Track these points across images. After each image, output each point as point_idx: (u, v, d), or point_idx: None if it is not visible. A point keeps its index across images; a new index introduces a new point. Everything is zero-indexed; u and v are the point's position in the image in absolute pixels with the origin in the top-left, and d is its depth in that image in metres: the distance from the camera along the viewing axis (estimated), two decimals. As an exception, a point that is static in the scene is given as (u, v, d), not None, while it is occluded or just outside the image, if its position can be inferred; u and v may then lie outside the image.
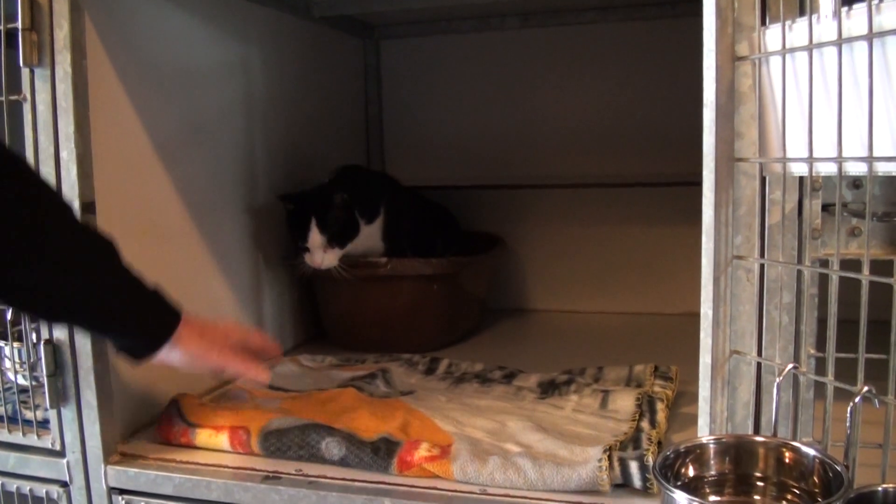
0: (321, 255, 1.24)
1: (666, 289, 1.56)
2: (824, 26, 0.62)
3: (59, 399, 0.90)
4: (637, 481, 0.77)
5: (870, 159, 0.59)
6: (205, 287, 1.16)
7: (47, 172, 0.87)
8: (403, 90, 1.72)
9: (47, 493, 0.93)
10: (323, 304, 1.41)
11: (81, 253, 0.79)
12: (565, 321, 1.58)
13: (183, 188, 1.09)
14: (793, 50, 0.65)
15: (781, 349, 0.71)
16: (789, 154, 0.67)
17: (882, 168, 0.60)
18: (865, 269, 0.62)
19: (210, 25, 1.17)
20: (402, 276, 1.28)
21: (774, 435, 0.67)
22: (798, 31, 0.65)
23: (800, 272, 0.70)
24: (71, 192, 0.87)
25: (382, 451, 0.85)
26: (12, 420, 0.94)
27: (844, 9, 0.60)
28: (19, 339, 0.92)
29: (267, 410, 0.97)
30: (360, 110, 1.71)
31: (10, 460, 0.94)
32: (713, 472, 0.67)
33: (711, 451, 0.67)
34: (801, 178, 0.69)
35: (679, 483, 0.65)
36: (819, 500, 0.61)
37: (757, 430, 0.73)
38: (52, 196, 0.80)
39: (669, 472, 0.65)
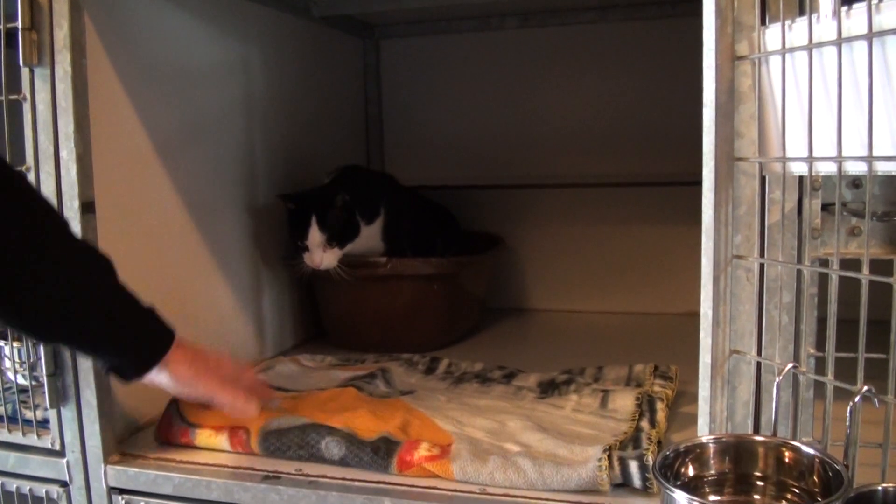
0: (321, 254, 1.24)
1: (665, 288, 1.56)
2: (824, 26, 0.62)
3: (58, 399, 0.90)
4: (637, 481, 0.77)
5: (869, 159, 0.59)
6: (204, 287, 1.16)
7: (47, 172, 0.87)
8: (403, 90, 1.72)
9: (47, 492, 0.93)
10: (323, 304, 1.41)
11: (78, 271, 0.78)
12: (565, 321, 1.58)
13: (183, 188, 1.09)
14: (792, 49, 0.65)
15: (781, 349, 0.71)
16: (789, 153, 0.67)
17: (882, 167, 0.60)
18: (865, 269, 0.62)
19: (210, 25, 1.17)
20: (402, 275, 1.28)
21: (774, 434, 0.67)
22: (798, 30, 0.65)
23: (799, 272, 0.70)
24: (71, 191, 0.87)
25: (382, 451, 0.85)
26: (12, 420, 0.94)
27: (844, 8, 0.60)
28: (19, 338, 0.92)
29: (267, 410, 0.97)
30: (359, 110, 1.71)
31: (10, 460, 0.94)
32: (713, 472, 0.67)
33: (711, 451, 0.67)
34: (801, 178, 0.69)
35: (679, 482, 0.65)
36: (819, 499, 0.61)
37: (757, 430, 0.73)
38: (50, 213, 0.79)
39: (669, 471, 0.65)
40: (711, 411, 0.72)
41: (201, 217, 1.13)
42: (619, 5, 1.53)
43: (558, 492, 0.78)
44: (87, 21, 0.88)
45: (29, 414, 0.94)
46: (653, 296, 1.58)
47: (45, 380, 0.89)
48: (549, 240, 1.63)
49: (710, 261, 0.70)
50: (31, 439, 0.93)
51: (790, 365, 0.68)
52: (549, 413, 0.98)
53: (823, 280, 0.68)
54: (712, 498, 0.66)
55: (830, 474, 0.61)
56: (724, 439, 0.68)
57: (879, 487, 0.60)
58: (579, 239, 1.62)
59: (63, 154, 0.86)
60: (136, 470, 0.89)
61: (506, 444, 0.87)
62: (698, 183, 0.70)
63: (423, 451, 0.84)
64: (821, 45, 0.62)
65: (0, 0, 0.85)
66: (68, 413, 0.90)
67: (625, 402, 1.00)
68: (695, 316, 0.72)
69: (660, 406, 0.96)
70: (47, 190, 0.87)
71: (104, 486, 0.90)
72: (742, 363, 0.73)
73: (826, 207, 0.70)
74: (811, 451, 0.63)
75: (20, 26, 0.84)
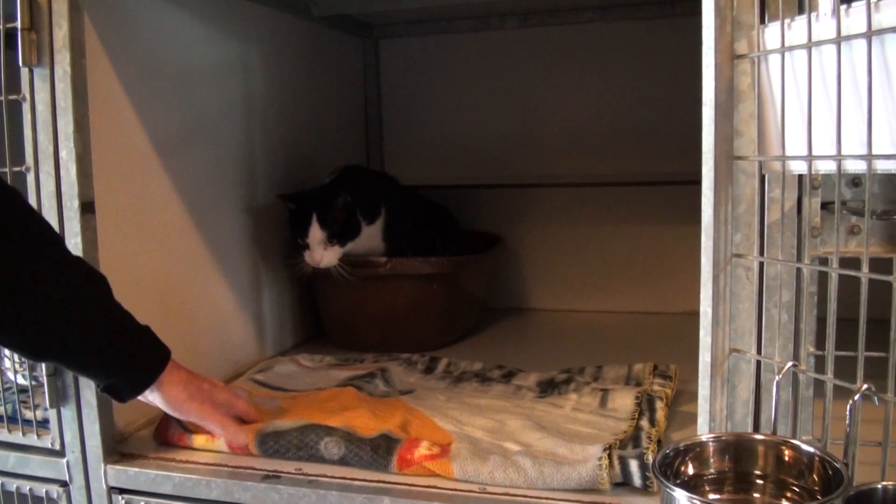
0: (321, 252, 1.24)
1: (665, 288, 1.56)
2: (823, 24, 0.62)
3: (58, 399, 0.90)
4: (637, 480, 0.77)
5: (869, 157, 0.59)
6: (204, 287, 1.16)
7: (47, 172, 0.87)
8: (403, 90, 1.72)
9: (47, 492, 0.93)
10: (322, 304, 1.41)
11: (73, 289, 0.78)
12: (564, 320, 1.58)
13: (182, 188, 1.09)
14: (792, 48, 0.65)
15: (781, 347, 0.71)
16: (788, 152, 0.67)
17: (881, 166, 0.60)
18: (865, 267, 0.62)
19: (209, 25, 1.17)
20: (402, 275, 1.28)
21: (774, 433, 0.67)
22: (797, 29, 0.65)
23: (799, 270, 0.70)
24: (70, 191, 0.87)
25: (382, 450, 0.85)
26: (12, 420, 0.94)
27: (843, 7, 0.60)
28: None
29: (265, 411, 0.97)
30: (359, 110, 1.72)
31: (10, 460, 0.94)
32: (713, 471, 0.67)
33: (711, 450, 0.67)
34: (801, 177, 0.69)
35: (679, 481, 0.65)
36: (819, 497, 0.61)
37: (756, 428, 0.73)
38: (45, 230, 0.79)
39: (669, 470, 0.65)
40: (711, 410, 0.72)
41: (201, 217, 1.13)
42: (618, 5, 1.53)
43: (558, 491, 0.78)
44: (86, 21, 0.88)
45: (29, 414, 0.94)
46: (652, 295, 1.58)
47: (45, 380, 0.89)
48: (548, 239, 1.63)
49: (709, 259, 0.70)
50: (31, 439, 0.93)
51: (790, 363, 0.68)
52: (548, 412, 0.98)
53: (823, 279, 0.68)
54: (712, 496, 0.66)
55: (830, 473, 0.61)
56: (723, 438, 0.68)
57: (879, 486, 0.60)
58: (579, 238, 1.62)
59: (63, 154, 0.86)
60: (136, 469, 0.89)
61: (505, 444, 0.87)
62: (698, 182, 0.70)
63: (423, 449, 0.84)
64: (820, 43, 0.62)
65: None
66: (68, 413, 0.90)
67: (624, 401, 1.00)
68: (694, 315, 0.72)
69: (659, 405, 0.96)
70: (47, 190, 0.87)
71: (104, 486, 0.90)
72: (742, 362, 0.73)
73: (825, 206, 0.70)
74: (811, 450, 0.63)
75: (19, 26, 0.84)
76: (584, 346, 1.39)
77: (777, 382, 0.68)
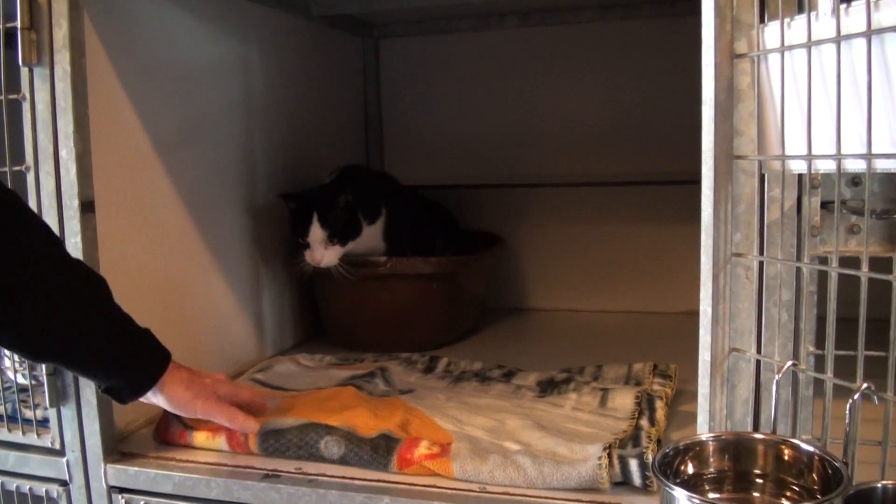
0: (322, 251, 1.24)
1: (665, 287, 1.56)
2: (823, 24, 0.62)
3: (58, 398, 0.90)
4: (637, 479, 0.77)
5: (868, 156, 0.59)
6: (204, 286, 1.16)
7: (47, 171, 0.87)
8: (403, 89, 1.72)
9: (47, 491, 0.93)
10: (322, 303, 1.41)
11: (72, 291, 0.78)
12: (564, 320, 1.58)
13: (182, 187, 1.09)
14: (791, 47, 0.65)
15: (780, 346, 0.71)
16: (788, 151, 0.67)
17: (881, 165, 0.60)
18: (864, 266, 0.62)
19: (209, 24, 1.17)
20: (402, 274, 1.28)
21: (774, 432, 0.67)
22: (797, 28, 0.65)
23: (799, 269, 0.70)
24: (70, 190, 0.87)
25: (382, 449, 0.85)
26: (12, 419, 0.94)
27: (843, 6, 0.60)
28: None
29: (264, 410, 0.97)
30: (359, 109, 1.72)
31: (10, 459, 0.94)
32: (712, 470, 0.67)
33: (711, 449, 0.67)
34: (800, 176, 0.69)
35: (678, 480, 0.65)
36: (818, 496, 0.61)
37: (756, 428, 0.73)
38: (45, 232, 0.79)
39: (669, 469, 0.65)
40: (711, 409, 0.72)
41: (201, 216, 1.13)
42: (618, 4, 1.53)
43: (558, 490, 0.78)
44: (86, 20, 0.88)
45: (29, 413, 0.94)
46: (652, 295, 1.58)
47: (44, 379, 0.89)
48: (548, 239, 1.63)
49: (709, 259, 0.70)
50: (31, 438, 0.93)
51: (789, 363, 0.68)
52: (548, 412, 0.98)
53: (823, 278, 0.68)
54: (712, 495, 0.66)
55: (830, 472, 0.61)
56: (723, 437, 0.68)
57: (879, 485, 0.60)
58: (579, 238, 1.62)
59: (63, 153, 0.87)
60: (136, 469, 0.89)
61: (505, 443, 0.87)
62: (697, 181, 0.70)
63: (423, 449, 0.84)
64: (820, 42, 0.62)
65: (-1, 0, 0.85)
66: (68, 412, 0.91)
67: (624, 400, 1.00)
68: (694, 315, 0.72)
69: (659, 404, 0.96)
70: (47, 189, 0.87)
71: (104, 485, 0.90)
72: (741, 361, 0.73)
73: (825, 205, 0.70)
74: (810, 449, 0.63)
75: (19, 26, 0.84)
76: (584, 345, 1.39)
77: (777, 382, 0.68)
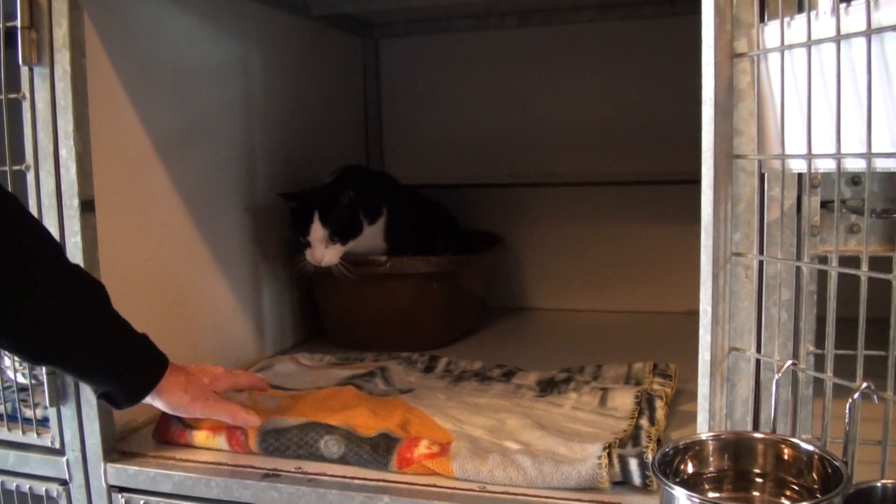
0: (322, 250, 1.24)
1: (665, 287, 1.56)
2: (823, 23, 0.62)
3: (58, 397, 0.90)
4: (636, 478, 0.77)
5: (868, 156, 0.59)
6: (204, 286, 1.16)
7: (47, 171, 0.87)
8: (402, 89, 1.72)
9: (47, 491, 0.93)
10: (322, 303, 1.41)
11: (71, 296, 0.78)
12: (564, 319, 1.58)
13: (182, 186, 1.09)
14: (791, 46, 0.65)
15: (780, 346, 0.71)
16: (788, 151, 0.67)
17: (881, 164, 0.60)
18: (864, 266, 0.62)
19: (209, 24, 1.17)
20: (402, 274, 1.28)
21: (773, 431, 0.67)
22: (796, 27, 0.65)
23: (799, 269, 0.70)
24: (70, 190, 0.87)
25: (382, 448, 0.85)
26: (12, 418, 0.94)
27: (843, 5, 0.60)
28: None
29: (265, 409, 0.97)
30: (359, 109, 1.72)
31: (10, 458, 0.94)
32: (712, 469, 0.67)
33: (710, 448, 0.67)
34: (800, 175, 0.69)
35: (678, 480, 0.65)
36: (818, 496, 0.61)
37: (756, 427, 0.73)
38: (44, 237, 0.79)
39: (668, 468, 0.65)
40: (711, 408, 0.73)
41: (201, 216, 1.13)
42: (618, 4, 1.53)
43: (558, 489, 0.78)
44: (86, 20, 0.88)
45: (29, 412, 0.94)
46: (652, 294, 1.58)
47: (44, 378, 0.89)
48: (548, 238, 1.63)
49: (709, 258, 0.70)
50: (31, 438, 0.93)
51: (789, 362, 0.68)
52: (548, 411, 0.98)
53: (822, 277, 0.68)
54: (711, 495, 0.66)
55: (830, 471, 0.61)
56: (723, 436, 0.68)
57: (879, 484, 0.60)
58: (579, 237, 1.62)
59: (63, 153, 0.87)
60: (136, 468, 0.89)
61: (505, 442, 0.87)
62: (697, 181, 0.70)
63: (422, 448, 0.84)
64: (819, 42, 0.62)
65: (-1, -1, 0.85)
66: (68, 411, 0.91)
67: (624, 400, 1.00)
68: (694, 314, 0.72)
69: (659, 404, 0.96)
70: (47, 189, 0.87)
71: (104, 485, 0.90)
72: (741, 360, 0.73)
73: (825, 204, 0.70)
74: (810, 448, 0.63)
75: (19, 25, 0.84)
76: (584, 345, 1.39)
77: (776, 381, 0.68)
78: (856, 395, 0.61)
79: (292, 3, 1.39)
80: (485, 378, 1.14)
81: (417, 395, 1.06)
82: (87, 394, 0.89)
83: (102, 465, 0.90)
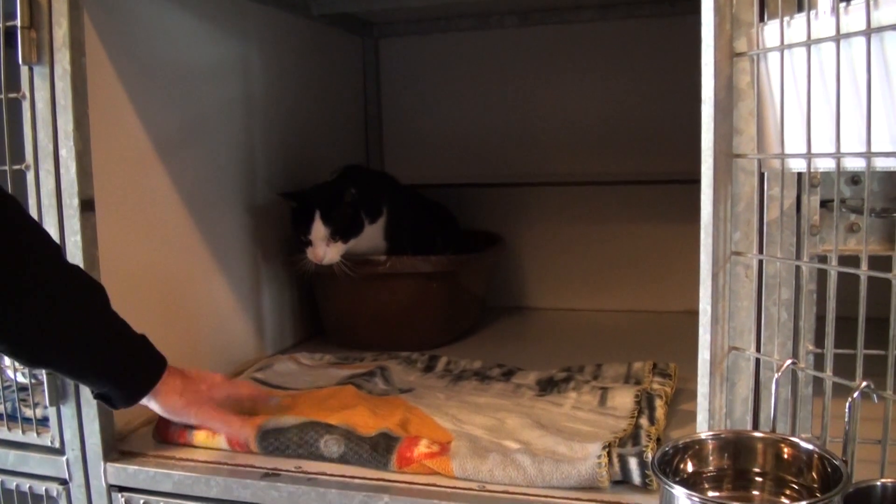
0: (324, 248, 1.24)
1: (664, 286, 1.56)
2: (822, 22, 0.62)
3: (58, 396, 0.90)
4: (636, 477, 0.77)
5: (868, 155, 0.60)
6: (204, 285, 1.16)
7: (46, 170, 0.87)
8: (403, 88, 1.72)
9: (47, 490, 0.93)
10: (322, 302, 1.41)
11: (70, 297, 0.78)
12: (564, 319, 1.58)
13: (182, 186, 1.09)
14: (791, 46, 0.65)
15: (780, 345, 0.71)
16: (788, 150, 0.67)
17: (880, 164, 0.60)
18: (864, 265, 0.62)
19: (209, 23, 1.17)
20: (402, 274, 1.28)
21: (773, 430, 0.67)
22: (796, 27, 0.65)
23: (798, 268, 0.70)
24: (70, 189, 0.87)
25: (382, 447, 0.85)
26: (12, 418, 0.94)
27: (842, 5, 0.60)
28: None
29: (265, 409, 0.97)
30: (359, 108, 1.72)
31: (10, 458, 0.94)
32: (712, 468, 0.67)
33: (710, 447, 0.67)
34: (800, 174, 0.69)
35: (678, 479, 0.65)
36: (817, 495, 0.61)
37: (756, 426, 0.73)
38: (43, 238, 0.79)
39: (668, 468, 0.65)
40: (710, 408, 0.73)
41: (200, 215, 1.13)
42: (618, 3, 1.53)
43: (558, 489, 0.78)
44: (86, 19, 0.88)
45: (28, 412, 0.94)
46: (652, 294, 1.58)
47: (44, 378, 0.89)
48: (548, 238, 1.64)
49: (708, 257, 0.70)
50: (31, 437, 0.93)
51: (789, 361, 0.68)
52: (548, 410, 0.98)
53: (822, 276, 0.68)
54: (711, 494, 0.66)
55: (829, 470, 0.61)
56: (722, 435, 0.68)
57: (878, 483, 0.60)
58: (578, 237, 1.62)
59: (62, 152, 0.87)
60: (136, 467, 0.89)
61: (505, 442, 0.87)
62: (697, 181, 0.70)
63: (422, 447, 0.84)
64: (819, 41, 0.62)
65: (-1, -2, 0.85)
66: (68, 411, 0.91)
67: (624, 399, 1.00)
68: (693, 313, 0.72)
69: (658, 403, 0.96)
70: (47, 188, 0.87)
71: (104, 484, 0.91)
72: (741, 360, 0.73)
73: (825, 204, 0.70)
74: (810, 447, 0.63)
75: (19, 24, 0.84)
76: (584, 344, 1.39)
77: (776, 380, 0.68)
78: (855, 394, 0.61)
79: (292, 2, 1.39)
80: (484, 377, 1.14)
81: (417, 394, 1.06)
82: (87, 393, 0.89)
83: (102, 464, 0.90)
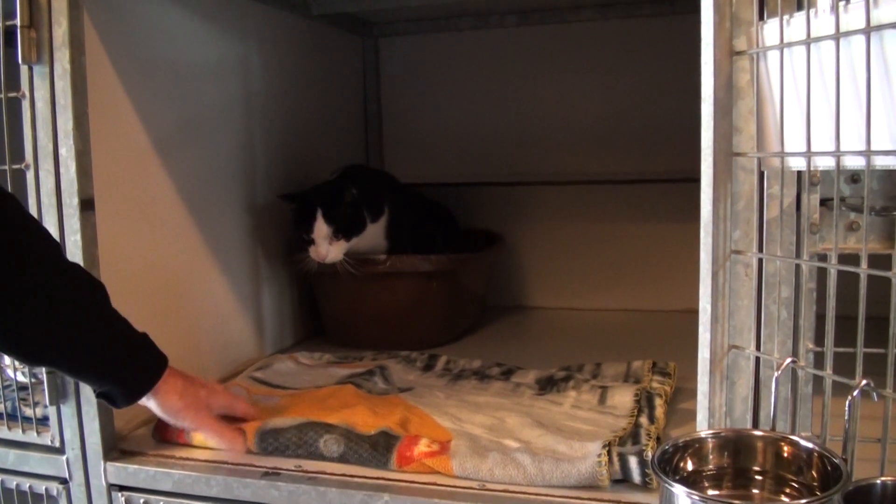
0: (326, 246, 1.24)
1: (664, 285, 1.56)
2: (822, 20, 0.62)
3: (58, 396, 0.90)
4: (636, 476, 0.77)
5: (868, 153, 0.60)
6: (204, 284, 1.16)
7: (46, 170, 0.87)
8: (402, 88, 1.72)
9: (47, 489, 0.93)
10: (322, 302, 1.41)
11: (70, 296, 0.78)
12: (564, 318, 1.58)
13: (182, 185, 1.09)
14: (790, 44, 0.65)
15: (780, 344, 0.71)
16: (787, 148, 0.67)
17: (880, 162, 0.60)
18: (864, 263, 0.62)
19: (209, 23, 1.17)
20: (402, 272, 1.29)
21: (773, 429, 0.68)
22: (796, 25, 0.65)
23: (798, 266, 0.70)
24: (70, 188, 0.87)
25: (381, 446, 0.85)
26: (12, 417, 0.94)
27: (842, 3, 0.60)
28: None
29: (264, 409, 0.97)
30: (358, 108, 1.72)
31: (10, 457, 0.94)
32: (712, 467, 0.67)
33: (710, 446, 0.67)
34: (800, 173, 0.69)
35: (678, 477, 0.65)
36: (817, 493, 0.61)
37: (755, 425, 0.73)
38: (43, 237, 0.79)
39: (668, 466, 0.65)
40: (710, 406, 0.73)
41: (200, 215, 1.13)
42: (618, 3, 1.53)
43: (558, 487, 0.78)
44: (85, 19, 0.88)
45: (29, 411, 0.94)
46: (651, 292, 1.58)
47: (44, 377, 0.89)
48: (548, 237, 1.64)
49: (708, 256, 0.70)
50: (31, 436, 0.93)
51: (789, 360, 0.68)
52: (547, 409, 0.98)
53: (822, 275, 0.68)
54: (711, 492, 0.66)
55: (829, 468, 0.61)
56: (722, 434, 0.68)
57: (878, 481, 0.60)
58: (578, 236, 1.62)
59: (62, 151, 0.87)
60: (136, 467, 0.89)
61: (505, 441, 0.87)
62: (697, 179, 0.70)
63: (422, 446, 0.84)
64: (819, 39, 0.63)
65: (-2, -2, 0.85)
66: (68, 410, 0.91)
67: (623, 398, 1.00)
68: (693, 312, 0.72)
69: (658, 402, 0.96)
70: (47, 187, 0.87)
71: (104, 483, 0.91)
72: (741, 358, 0.73)
73: (824, 202, 0.70)
74: (810, 446, 0.63)
75: (19, 24, 0.84)
76: (584, 343, 1.39)
77: (776, 379, 0.68)
78: (855, 393, 0.61)
79: (292, 2, 1.39)
80: (484, 376, 1.14)
81: (417, 393, 1.06)
82: (87, 392, 0.89)
83: (102, 463, 0.90)
